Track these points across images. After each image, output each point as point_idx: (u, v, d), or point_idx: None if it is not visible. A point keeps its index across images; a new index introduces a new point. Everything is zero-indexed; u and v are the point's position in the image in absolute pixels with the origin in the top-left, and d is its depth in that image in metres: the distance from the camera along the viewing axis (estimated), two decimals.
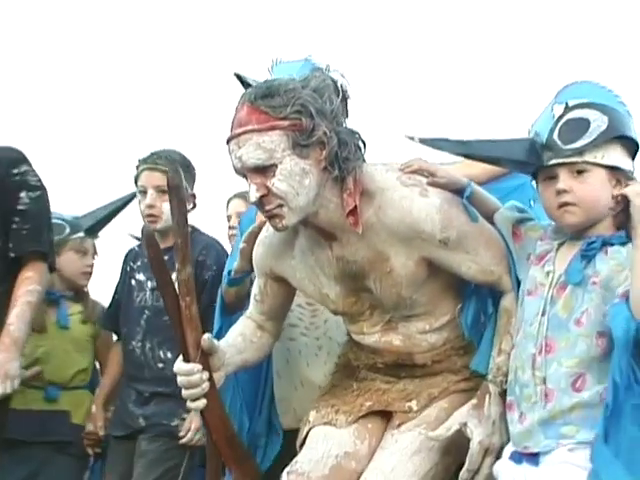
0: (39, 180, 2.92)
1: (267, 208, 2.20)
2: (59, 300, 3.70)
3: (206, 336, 2.27)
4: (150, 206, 3.35)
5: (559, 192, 2.13)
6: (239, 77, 2.69)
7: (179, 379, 2.25)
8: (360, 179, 2.27)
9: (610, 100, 2.18)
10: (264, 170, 2.17)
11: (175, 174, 2.25)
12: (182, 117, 6.00)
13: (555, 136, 2.14)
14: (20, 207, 2.85)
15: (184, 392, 2.25)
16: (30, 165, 2.91)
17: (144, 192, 3.40)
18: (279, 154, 2.15)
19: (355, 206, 2.24)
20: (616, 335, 2.00)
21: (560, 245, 2.21)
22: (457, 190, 2.31)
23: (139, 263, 3.51)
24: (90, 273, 3.83)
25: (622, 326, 1.98)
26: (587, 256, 2.12)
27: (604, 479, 1.97)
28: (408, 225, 2.25)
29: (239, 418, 2.66)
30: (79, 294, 3.81)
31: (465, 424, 2.25)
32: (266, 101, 2.15)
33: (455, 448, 2.30)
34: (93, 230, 3.89)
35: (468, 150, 2.21)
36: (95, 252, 3.86)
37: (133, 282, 3.49)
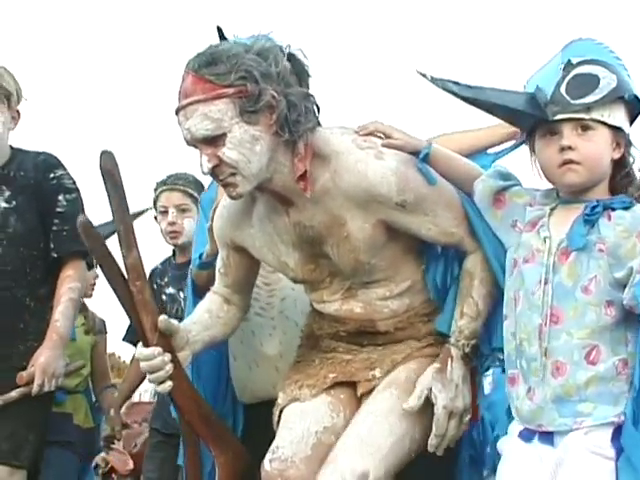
0: (74, 183, 2.96)
1: (220, 178, 2.13)
2: None
3: (162, 317, 2.18)
4: (172, 223, 3.53)
5: (563, 149, 1.99)
6: (220, 30, 2.51)
7: (141, 365, 2.18)
8: (313, 143, 2.17)
9: (613, 61, 2.06)
10: (214, 140, 2.08)
11: (108, 158, 2.13)
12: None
13: (562, 90, 2.00)
14: (59, 209, 2.91)
15: (149, 377, 2.18)
16: (65, 169, 2.96)
17: (165, 212, 3.59)
18: (227, 123, 2.07)
19: (305, 171, 2.15)
20: None
21: (552, 210, 2.07)
22: (415, 152, 2.19)
23: (166, 279, 3.60)
24: (95, 284, 4.05)
25: None
26: (590, 220, 1.98)
27: (636, 463, 1.86)
28: (364, 189, 2.15)
29: None
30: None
31: (430, 389, 2.18)
32: (210, 69, 2.07)
33: (430, 411, 2.19)
34: None
35: (475, 95, 2.08)
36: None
37: (164, 297, 3.57)
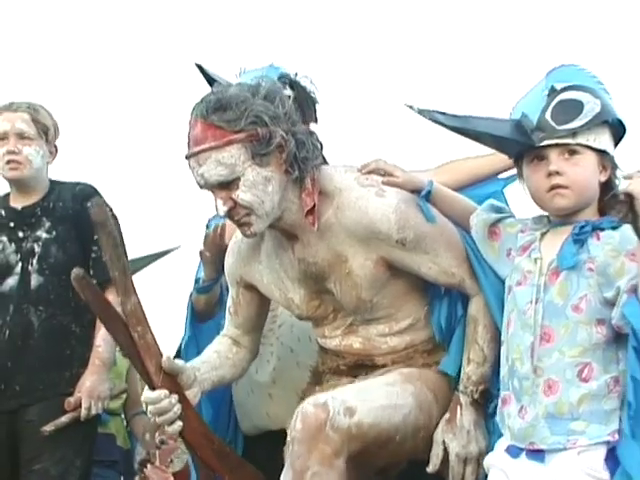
0: (111, 210, 2.94)
1: (236, 219, 2.15)
2: None
3: (165, 357, 2.16)
4: None
5: (550, 174, 1.99)
6: (200, 68, 2.58)
7: (149, 408, 2.16)
8: (318, 179, 2.19)
9: (596, 86, 2.08)
10: (228, 184, 2.10)
11: (99, 209, 2.17)
12: None
13: (548, 116, 2.01)
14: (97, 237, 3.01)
15: (158, 419, 2.16)
16: (101, 197, 3.00)
17: None
18: (240, 167, 2.09)
19: (314, 205, 2.16)
20: (638, 330, 1.86)
21: (543, 234, 2.07)
22: (416, 190, 2.21)
23: None
24: None
25: None
26: (579, 240, 1.98)
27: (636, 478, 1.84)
28: (365, 226, 2.15)
29: None
30: None
31: (443, 442, 2.19)
32: (219, 115, 2.08)
33: (427, 409, 2.21)
34: None
35: (462, 124, 2.09)
36: None
37: None
